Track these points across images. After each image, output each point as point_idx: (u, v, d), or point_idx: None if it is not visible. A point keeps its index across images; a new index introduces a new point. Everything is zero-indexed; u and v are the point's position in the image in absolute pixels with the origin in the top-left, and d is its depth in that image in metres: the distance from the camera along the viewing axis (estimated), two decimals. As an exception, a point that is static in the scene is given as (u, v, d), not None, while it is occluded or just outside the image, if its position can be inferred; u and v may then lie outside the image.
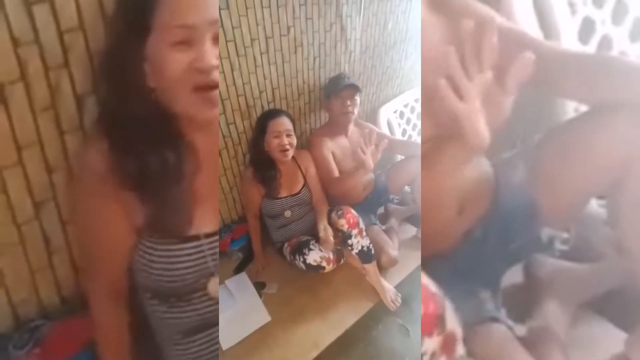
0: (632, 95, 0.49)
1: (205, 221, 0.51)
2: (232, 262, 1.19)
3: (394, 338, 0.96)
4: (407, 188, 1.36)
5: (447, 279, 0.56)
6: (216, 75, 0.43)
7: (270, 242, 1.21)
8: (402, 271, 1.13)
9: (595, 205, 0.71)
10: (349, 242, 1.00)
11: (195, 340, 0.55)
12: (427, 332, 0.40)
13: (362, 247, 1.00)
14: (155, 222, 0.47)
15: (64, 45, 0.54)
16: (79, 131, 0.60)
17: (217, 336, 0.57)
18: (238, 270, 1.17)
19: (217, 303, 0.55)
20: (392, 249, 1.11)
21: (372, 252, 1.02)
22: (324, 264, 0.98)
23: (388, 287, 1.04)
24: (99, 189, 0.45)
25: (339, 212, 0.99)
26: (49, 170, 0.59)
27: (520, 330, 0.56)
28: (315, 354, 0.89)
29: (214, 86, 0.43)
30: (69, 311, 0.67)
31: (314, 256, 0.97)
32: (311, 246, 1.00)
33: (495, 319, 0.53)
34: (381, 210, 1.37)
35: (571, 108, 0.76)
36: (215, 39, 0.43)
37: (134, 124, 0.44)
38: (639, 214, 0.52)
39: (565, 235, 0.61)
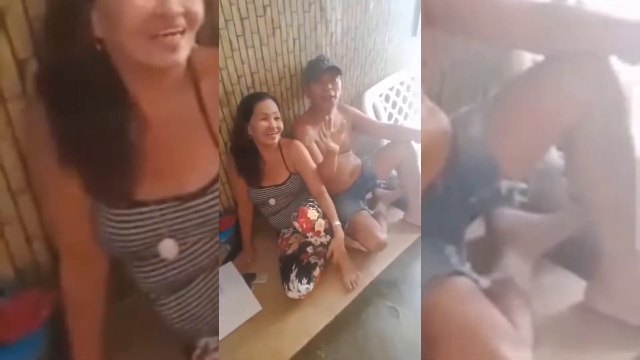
0: (586, 45, 0.50)
1: (158, 187, 0.49)
2: (219, 254, 1.17)
3: (383, 320, 0.96)
4: (393, 172, 1.35)
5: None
6: (180, 21, 0.41)
7: (257, 234, 1.19)
8: (391, 254, 1.13)
9: (555, 157, 0.72)
10: (307, 239, 1.01)
11: (168, 302, 0.55)
12: None
13: (322, 243, 1.02)
14: (96, 185, 0.46)
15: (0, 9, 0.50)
16: (21, 98, 0.56)
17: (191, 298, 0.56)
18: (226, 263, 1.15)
19: (180, 265, 0.54)
20: (381, 232, 1.11)
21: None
22: (302, 297, 0.97)
23: (352, 269, 1.04)
24: (44, 153, 0.43)
25: (294, 214, 0.98)
26: (-6, 139, 0.56)
27: (485, 282, 0.57)
28: (306, 340, 0.89)
29: (177, 31, 0.41)
30: (24, 284, 0.65)
31: (292, 294, 0.96)
32: (291, 283, 0.96)
33: (460, 273, 0.54)
34: (369, 195, 1.36)
35: (528, 61, 0.75)
36: None
37: (74, 80, 0.42)
38: (593, 163, 0.54)
39: (523, 186, 0.61)
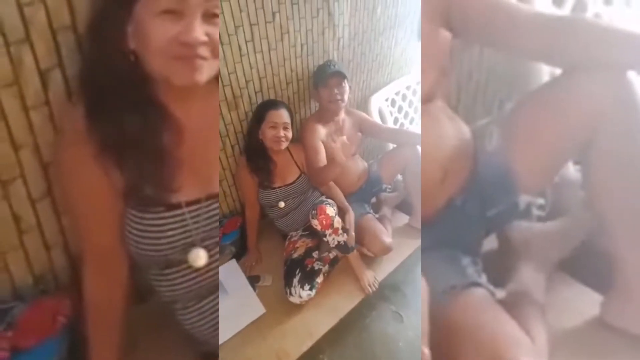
0: (603, 57, 0.49)
1: (189, 189, 0.50)
2: (224, 256, 1.17)
3: (387, 324, 0.94)
4: (398, 176, 1.34)
5: (431, 246, 0.56)
6: (202, 50, 0.43)
7: (263, 236, 1.20)
8: (395, 259, 1.12)
9: (572, 171, 0.71)
10: (324, 239, 1.00)
11: (194, 310, 0.56)
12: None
13: (339, 242, 1.00)
14: (133, 189, 0.47)
15: (24, 19, 0.52)
16: (44, 107, 0.58)
17: (213, 307, 0.57)
18: (230, 264, 1.15)
19: (204, 274, 0.54)
20: (387, 236, 1.10)
21: (351, 244, 1.03)
22: (302, 302, 0.97)
23: (368, 271, 1.05)
24: (80, 154, 0.45)
25: (313, 212, 0.98)
26: (15, 147, 0.57)
27: (501, 294, 0.57)
28: (310, 343, 0.88)
29: (199, 57, 0.43)
30: (43, 291, 0.66)
31: (293, 299, 0.96)
32: (293, 288, 0.95)
33: (477, 284, 0.54)
34: (373, 199, 1.35)
35: (546, 73, 0.75)
36: (210, 15, 0.43)
37: (111, 86, 0.44)
38: (610, 177, 0.53)
39: (541, 201, 0.61)
